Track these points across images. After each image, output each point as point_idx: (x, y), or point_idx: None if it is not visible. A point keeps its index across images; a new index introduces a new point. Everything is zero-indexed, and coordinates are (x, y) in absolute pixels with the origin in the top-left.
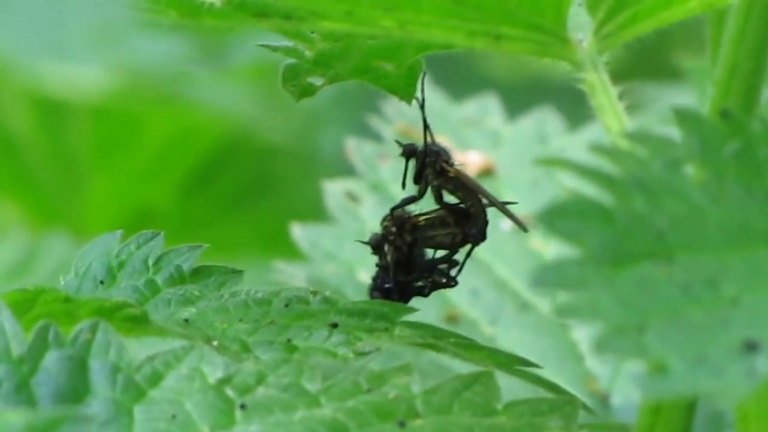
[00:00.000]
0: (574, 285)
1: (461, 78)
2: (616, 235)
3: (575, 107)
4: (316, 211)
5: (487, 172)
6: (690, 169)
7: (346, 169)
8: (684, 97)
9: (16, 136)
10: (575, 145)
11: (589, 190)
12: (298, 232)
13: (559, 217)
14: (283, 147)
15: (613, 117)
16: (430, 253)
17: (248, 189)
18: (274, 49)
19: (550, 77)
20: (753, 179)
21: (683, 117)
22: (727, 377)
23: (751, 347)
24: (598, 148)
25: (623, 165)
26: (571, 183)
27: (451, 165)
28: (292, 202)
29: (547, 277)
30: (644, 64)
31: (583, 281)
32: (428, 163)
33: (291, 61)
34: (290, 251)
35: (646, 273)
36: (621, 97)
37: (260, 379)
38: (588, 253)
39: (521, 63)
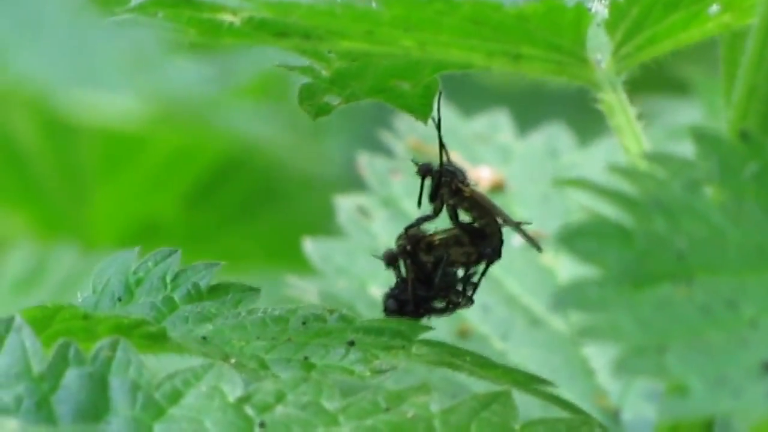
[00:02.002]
0: (594, 306)
1: (468, 86)
2: (635, 256)
3: (588, 114)
4: (321, 224)
5: (498, 187)
6: (709, 191)
7: (353, 181)
8: (691, 111)
9: (24, 149)
10: (586, 160)
11: (606, 210)
12: (309, 246)
13: (578, 238)
14: (289, 159)
15: (631, 137)
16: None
17: (253, 201)
18: (292, 68)
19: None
20: None
21: (702, 138)
22: (746, 398)
23: None
24: (617, 169)
25: (643, 186)
26: (585, 201)
27: (467, 185)
28: (297, 214)
29: (567, 297)
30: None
31: (603, 302)
32: (444, 183)
33: (308, 80)
34: (295, 263)
35: (666, 294)
36: (639, 117)
37: (279, 398)
38: (608, 273)
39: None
